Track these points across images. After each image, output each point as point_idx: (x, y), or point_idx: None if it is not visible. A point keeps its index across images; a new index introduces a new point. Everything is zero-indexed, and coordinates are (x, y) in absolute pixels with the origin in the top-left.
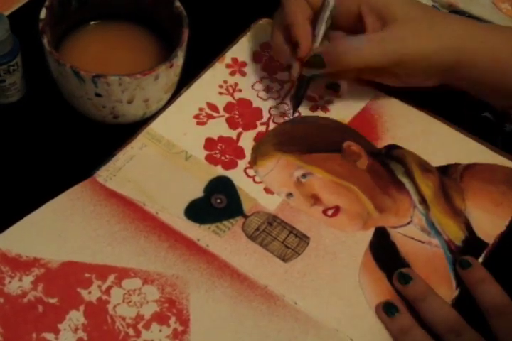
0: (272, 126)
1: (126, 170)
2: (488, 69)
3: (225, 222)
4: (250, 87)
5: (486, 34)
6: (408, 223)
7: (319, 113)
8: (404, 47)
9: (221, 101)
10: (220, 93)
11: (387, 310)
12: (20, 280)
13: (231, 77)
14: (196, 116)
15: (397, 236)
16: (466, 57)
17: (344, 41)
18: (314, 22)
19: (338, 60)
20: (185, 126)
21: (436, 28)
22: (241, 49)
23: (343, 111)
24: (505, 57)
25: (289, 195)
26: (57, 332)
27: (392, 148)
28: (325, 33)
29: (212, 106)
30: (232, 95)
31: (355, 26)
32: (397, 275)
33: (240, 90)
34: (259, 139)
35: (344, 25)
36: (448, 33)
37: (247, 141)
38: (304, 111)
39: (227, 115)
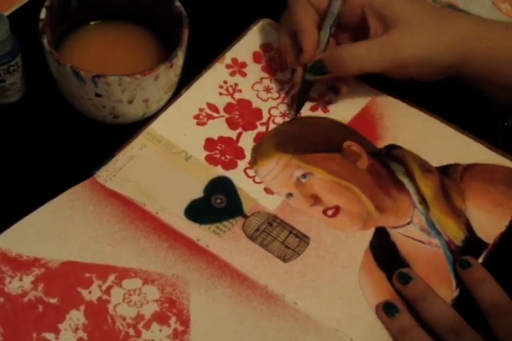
0: (271, 126)
1: (126, 170)
2: (486, 64)
3: (225, 222)
4: (250, 88)
5: (488, 31)
6: (408, 223)
7: (319, 113)
8: (403, 53)
9: (221, 102)
10: (220, 93)
11: (387, 310)
12: (21, 280)
13: (231, 78)
14: (196, 117)
15: (397, 236)
16: (468, 55)
17: (346, 48)
18: (319, 28)
19: (339, 67)
20: (185, 127)
21: (438, 29)
22: (241, 49)
23: (343, 111)
24: (502, 53)
25: (289, 195)
26: (57, 331)
27: (392, 148)
28: (328, 39)
29: (213, 107)
30: (232, 95)
31: (360, 28)
32: (397, 275)
33: (240, 90)
34: (259, 139)
35: (349, 27)
36: (451, 33)
37: (247, 142)
38: (304, 111)
39: (227, 115)
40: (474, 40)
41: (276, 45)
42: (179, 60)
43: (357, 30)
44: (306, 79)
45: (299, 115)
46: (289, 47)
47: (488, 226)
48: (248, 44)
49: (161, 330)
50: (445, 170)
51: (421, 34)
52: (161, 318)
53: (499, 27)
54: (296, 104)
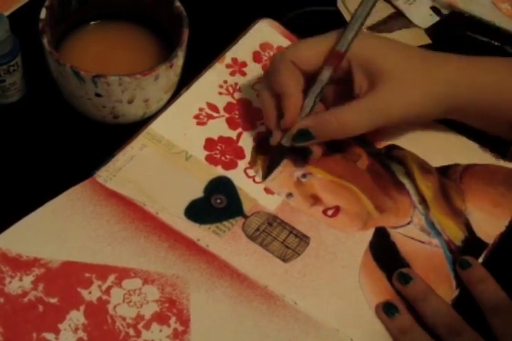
0: None
1: (126, 170)
2: (479, 108)
3: (225, 222)
4: (250, 87)
5: (478, 74)
6: (408, 223)
7: None
8: (393, 114)
9: (221, 102)
10: (220, 93)
11: (387, 310)
12: (21, 280)
13: (231, 77)
14: (196, 116)
15: (397, 236)
16: (459, 103)
17: (334, 115)
18: (305, 93)
19: (327, 134)
20: (185, 126)
21: (427, 82)
22: (241, 49)
23: None
24: (504, 86)
25: (289, 195)
26: (57, 332)
27: (392, 148)
28: (313, 106)
29: (213, 107)
30: (232, 95)
31: (346, 81)
32: (397, 275)
33: (240, 90)
34: (259, 139)
35: (335, 79)
36: (441, 84)
37: (247, 141)
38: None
39: (227, 115)
40: (466, 87)
41: (276, 46)
42: (179, 60)
43: (343, 82)
44: (281, 145)
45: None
46: (270, 109)
47: (488, 227)
48: (248, 44)
49: (161, 330)
50: (445, 171)
51: (409, 90)
52: (161, 318)
53: (492, 65)
54: (266, 167)
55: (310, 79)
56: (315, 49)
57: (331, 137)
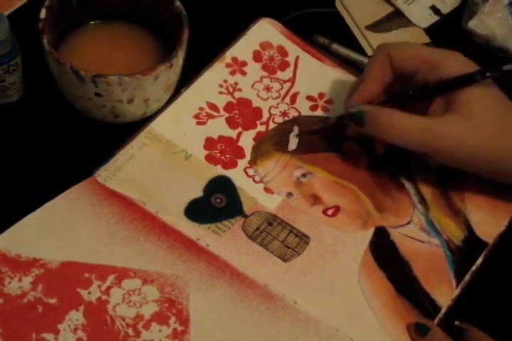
0: (271, 125)
1: (126, 169)
2: None
3: (225, 222)
4: (250, 87)
5: None
6: (408, 223)
7: (319, 113)
8: (443, 143)
9: (221, 101)
10: (220, 92)
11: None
12: (20, 280)
13: (231, 77)
14: (196, 116)
15: (397, 235)
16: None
17: (389, 113)
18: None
19: (374, 126)
20: (185, 126)
21: (502, 131)
22: (241, 48)
23: (343, 111)
24: None
25: (289, 194)
26: (56, 332)
27: (391, 148)
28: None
29: (212, 106)
30: (232, 95)
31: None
32: (415, 327)
33: (240, 90)
34: (259, 139)
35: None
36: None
37: (247, 141)
38: (304, 110)
39: (227, 115)
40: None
41: (276, 45)
42: (179, 60)
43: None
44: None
45: (299, 115)
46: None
47: (488, 226)
48: (248, 43)
49: (160, 330)
50: (444, 170)
51: (475, 130)
52: (160, 318)
53: None
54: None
55: (401, 81)
56: (413, 52)
57: (377, 131)
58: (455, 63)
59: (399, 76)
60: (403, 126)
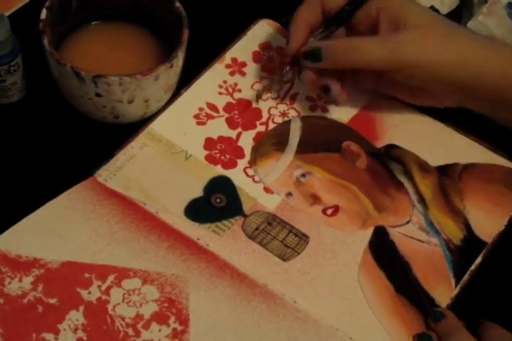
0: (271, 126)
1: (127, 169)
2: (482, 88)
3: (225, 222)
4: (250, 87)
5: (487, 56)
6: (407, 222)
7: (319, 113)
8: (407, 54)
9: (221, 101)
10: (220, 93)
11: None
12: (20, 280)
13: (231, 77)
14: (196, 116)
15: (396, 235)
16: (478, 71)
17: (346, 39)
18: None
19: (335, 56)
20: (185, 126)
21: (451, 38)
22: (241, 49)
23: (342, 111)
24: None
25: (289, 194)
26: (57, 332)
27: (391, 147)
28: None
29: (212, 106)
30: (231, 95)
31: (373, 31)
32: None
33: (240, 90)
34: (258, 139)
35: (362, 30)
36: (463, 45)
37: (246, 141)
38: (303, 111)
39: (226, 115)
40: (484, 59)
41: (276, 46)
42: (179, 61)
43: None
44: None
45: (298, 115)
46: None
47: (487, 226)
48: (248, 44)
49: (160, 330)
50: (444, 170)
51: (431, 39)
52: (160, 318)
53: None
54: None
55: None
56: None
57: (338, 62)
58: None
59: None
60: (363, 47)
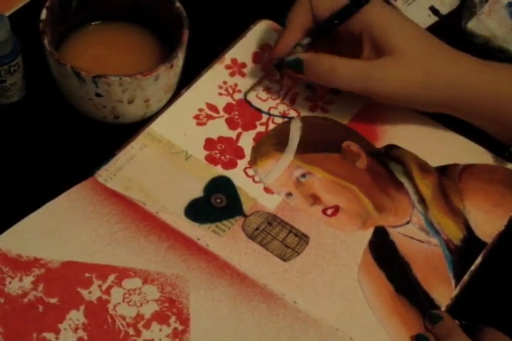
0: (271, 126)
1: (127, 169)
2: (485, 104)
3: (225, 222)
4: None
5: (483, 70)
6: (407, 222)
7: (319, 113)
8: (384, 85)
9: (221, 102)
10: (220, 94)
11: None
12: (21, 280)
13: (231, 78)
14: (196, 117)
15: (396, 235)
16: (462, 93)
17: (328, 58)
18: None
19: (315, 73)
20: (185, 127)
21: (430, 68)
22: (241, 50)
23: (342, 111)
24: (503, 93)
25: (289, 194)
26: (57, 331)
27: (391, 148)
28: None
29: (212, 107)
30: (231, 96)
31: (356, 51)
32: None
33: (240, 91)
34: (258, 139)
35: (345, 49)
36: (443, 75)
37: (246, 141)
38: (303, 111)
39: (226, 115)
40: (466, 87)
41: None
42: (179, 61)
43: (353, 49)
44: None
45: (298, 115)
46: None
47: (487, 226)
48: (248, 45)
49: (160, 330)
50: (444, 170)
51: (412, 68)
52: (160, 318)
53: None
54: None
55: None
56: None
57: (317, 78)
58: None
59: (319, 20)
60: (344, 72)
